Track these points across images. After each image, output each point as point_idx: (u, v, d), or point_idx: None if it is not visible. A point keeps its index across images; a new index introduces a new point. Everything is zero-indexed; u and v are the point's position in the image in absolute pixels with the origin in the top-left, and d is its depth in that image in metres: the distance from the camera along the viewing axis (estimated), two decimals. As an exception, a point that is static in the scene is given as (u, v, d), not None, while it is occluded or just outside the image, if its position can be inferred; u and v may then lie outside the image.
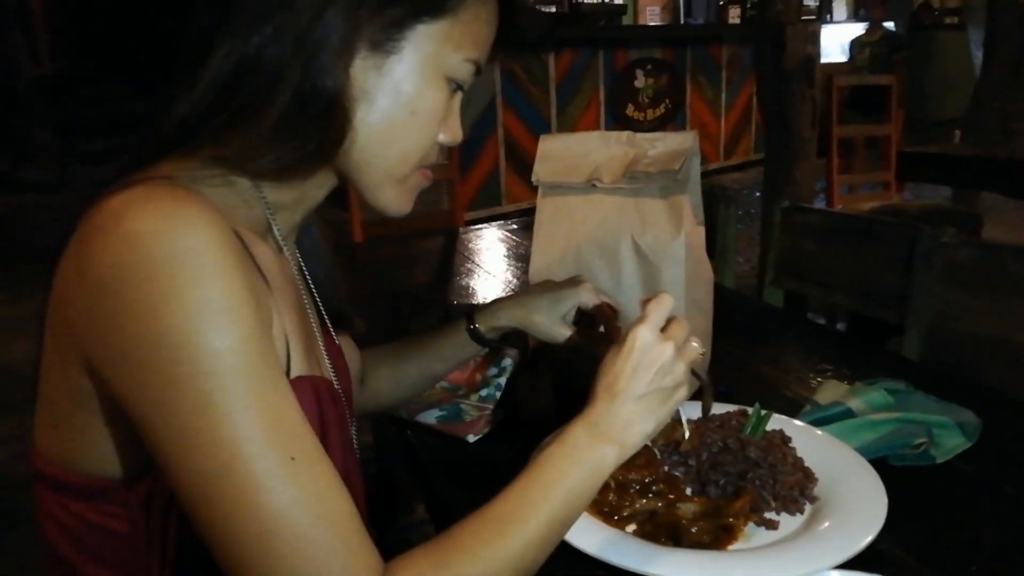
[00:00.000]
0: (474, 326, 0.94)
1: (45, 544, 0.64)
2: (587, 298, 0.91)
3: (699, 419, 0.85)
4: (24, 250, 5.42)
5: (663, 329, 0.65)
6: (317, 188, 0.70)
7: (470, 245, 2.09)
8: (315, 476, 0.53)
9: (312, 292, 0.78)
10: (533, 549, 0.59)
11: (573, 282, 0.93)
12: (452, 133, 0.70)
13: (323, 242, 0.82)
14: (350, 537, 0.54)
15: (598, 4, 8.70)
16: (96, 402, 0.56)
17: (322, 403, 0.67)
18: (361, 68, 0.62)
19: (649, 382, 0.63)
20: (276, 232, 0.68)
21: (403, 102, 0.64)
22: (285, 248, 0.70)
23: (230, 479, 0.50)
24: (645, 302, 0.66)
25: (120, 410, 0.53)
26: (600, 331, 0.91)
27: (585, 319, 0.94)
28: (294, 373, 0.63)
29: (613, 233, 1.05)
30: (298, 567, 0.51)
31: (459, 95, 0.70)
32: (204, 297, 0.50)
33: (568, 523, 0.62)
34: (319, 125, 0.61)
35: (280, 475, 0.51)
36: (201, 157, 0.61)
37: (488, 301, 1.04)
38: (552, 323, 0.91)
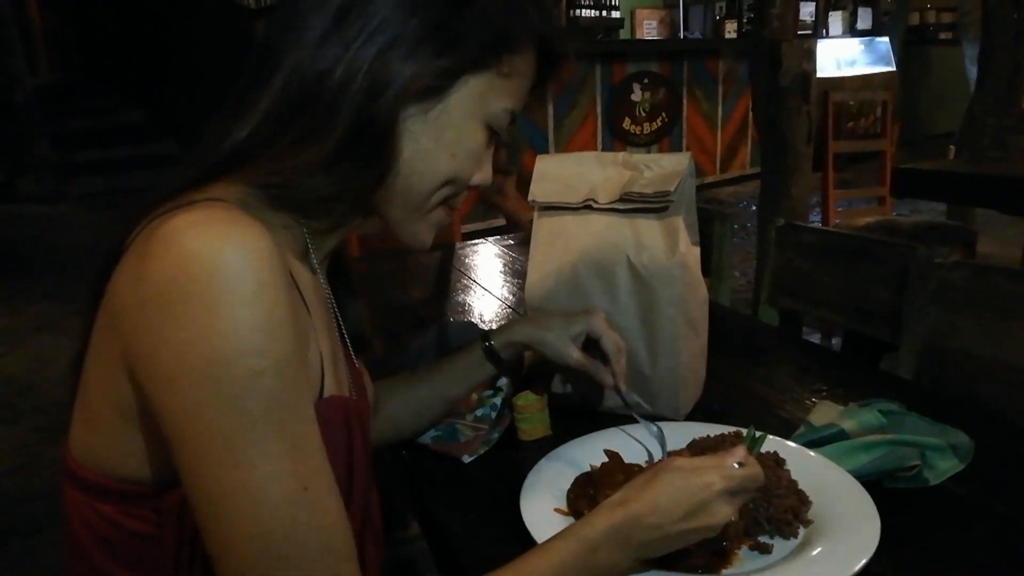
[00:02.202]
0: (489, 343, 0.97)
1: (71, 546, 0.65)
2: (598, 326, 0.95)
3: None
4: (20, 261, 5.41)
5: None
6: (353, 216, 0.73)
7: (467, 260, 2.09)
8: (324, 509, 0.55)
9: (337, 315, 0.80)
10: None
11: (586, 311, 0.97)
12: (484, 176, 0.75)
13: (349, 267, 0.85)
14: (348, 570, 0.55)
15: (595, 18, 8.75)
16: (134, 411, 0.58)
17: (350, 423, 0.69)
18: (412, 110, 0.67)
19: (693, 530, 0.65)
20: (313, 256, 0.72)
21: (445, 145, 0.69)
22: (320, 272, 0.74)
23: (242, 499, 0.52)
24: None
25: (154, 420, 0.56)
26: (604, 364, 0.95)
27: (592, 348, 0.96)
28: (327, 392, 0.66)
29: (609, 253, 1.06)
30: None
31: (494, 143, 0.75)
32: (248, 319, 0.52)
33: None
34: (368, 160, 0.65)
35: (291, 503, 0.53)
36: (249, 182, 0.64)
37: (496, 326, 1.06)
38: (563, 343, 0.94)
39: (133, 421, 0.59)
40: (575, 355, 0.94)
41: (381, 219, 0.73)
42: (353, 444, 0.70)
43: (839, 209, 3.62)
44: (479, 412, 1.05)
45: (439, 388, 0.98)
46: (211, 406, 0.52)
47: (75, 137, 7.74)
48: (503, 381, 1.09)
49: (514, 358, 0.99)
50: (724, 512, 0.65)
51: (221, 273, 0.52)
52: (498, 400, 1.06)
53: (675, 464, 0.67)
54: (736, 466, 0.67)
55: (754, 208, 5.22)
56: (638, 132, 6.55)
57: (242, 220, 0.55)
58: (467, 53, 0.67)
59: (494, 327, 1.30)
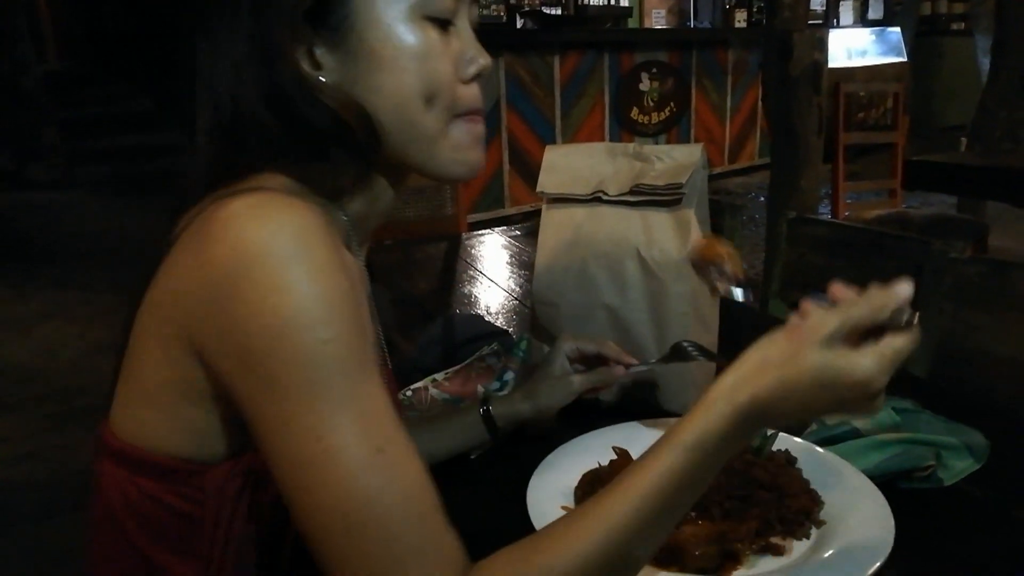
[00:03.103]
0: (487, 408, 0.93)
1: (104, 523, 0.65)
2: (568, 346, 0.95)
3: None
4: (29, 248, 5.42)
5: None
6: (384, 190, 0.71)
7: (473, 251, 2.08)
8: (402, 469, 0.55)
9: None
10: (643, 516, 0.55)
11: (555, 345, 0.97)
12: (475, 63, 0.67)
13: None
14: (434, 531, 0.54)
15: (604, 7, 8.67)
16: (199, 390, 0.59)
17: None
18: (333, 63, 0.63)
19: (833, 403, 0.57)
20: (354, 243, 0.71)
21: (387, 68, 0.63)
22: (360, 260, 0.73)
23: (322, 466, 0.53)
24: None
25: (224, 398, 0.58)
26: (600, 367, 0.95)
27: (585, 361, 0.97)
28: None
29: (619, 246, 1.04)
30: (381, 556, 0.52)
31: (460, 23, 0.67)
32: (313, 293, 0.54)
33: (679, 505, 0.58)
34: (341, 131, 0.63)
35: (368, 466, 0.53)
36: (283, 172, 0.64)
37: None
38: (562, 395, 0.94)
39: (195, 399, 0.60)
40: (577, 386, 0.94)
41: (412, 169, 0.69)
42: None
43: (849, 201, 3.58)
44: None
45: (424, 446, 0.92)
46: (283, 378, 0.53)
47: (84, 125, 7.75)
48: (509, 374, 1.09)
49: (509, 428, 0.95)
50: (876, 405, 0.57)
51: (281, 252, 0.54)
52: (505, 393, 1.05)
53: (820, 340, 0.56)
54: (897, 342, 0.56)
55: (763, 199, 5.19)
56: (646, 122, 6.50)
57: (294, 203, 0.57)
58: None
59: (500, 320, 1.27)
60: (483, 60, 0.68)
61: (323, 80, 0.63)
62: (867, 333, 0.57)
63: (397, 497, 0.53)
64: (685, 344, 0.93)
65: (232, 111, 0.63)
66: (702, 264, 0.97)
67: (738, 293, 0.92)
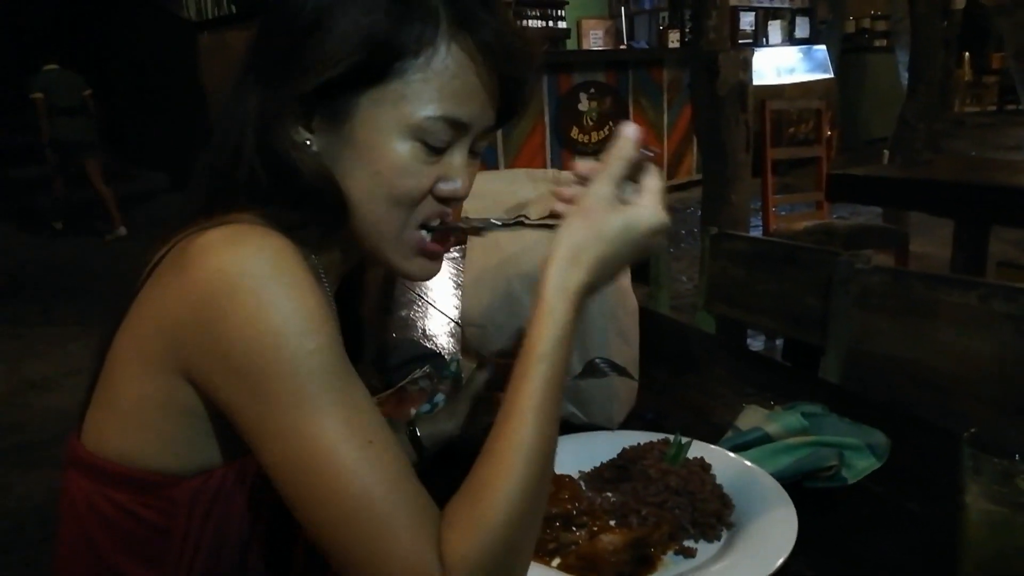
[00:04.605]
0: (414, 428, 0.96)
1: (74, 540, 0.68)
2: (490, 367, 0.99)
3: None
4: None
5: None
6: (353, 247, 0.74)
7: (412, 274, 2.10)
8: (389, 461, 0.59)
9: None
10: (541, 428, 0.61)
11: (477, 366, 1.01)
12: (450, 189, 0.71)
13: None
14: (423, 515, 0.58)
15: (542, 28, 8.83)
16: (180, 407, 0.64)
17: None
18: (323, 137, 0.68)
19: (639, 251, 0.67)
20: (324, 281, 0.73)
21: (365, 165, 0.68)
22: (330, 297, 0.75)
23: (319, 467, 0.57)
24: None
25: (209, 413, 0.63)
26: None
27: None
28: None
29: (540, 267, 1.08)
30: (378, 542, 0.56)
31: (456, 152, 0.71)
32: (294, 308, 0.58)
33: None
34: (315, 197, 0.67)
35: (360, 461, 0.57)
36: (256, 213, 0.68)
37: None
38: (478, 414, 0.97)
39: (174, 415, 0.64)
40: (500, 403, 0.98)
41: (365, 250, 0.73)
42: None
43: (781, 214, 3.71)
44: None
45: None
46: (275, 389, 0.57)
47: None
48: (440, 397, 1.11)
49: (436, 448, 0.97)
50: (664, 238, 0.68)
51: (260, 273, 0.58)
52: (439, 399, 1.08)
53: (609, 200, 0.66)
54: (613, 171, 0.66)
55: (700, 213, 5.32)
56: (586, 141, 6.63)
57: (267, 231, 0.62)
58: (334, 73, 0.65)
59: (438, 342, 1.30)
60: (458, 189, 0.72)
61: (309, 144, 0.68)
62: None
63: (387, 483, 0.57)
64: (598, 361, 0.98)
65: (231, 157, 0.68)
66: None
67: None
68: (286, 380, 0.57)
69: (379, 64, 0.65)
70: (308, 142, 0.68)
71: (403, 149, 0.67)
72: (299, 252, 0.62)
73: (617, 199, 0.66)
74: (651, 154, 0.68)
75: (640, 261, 0.70)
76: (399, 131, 0.67)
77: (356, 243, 0.73)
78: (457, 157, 0.71)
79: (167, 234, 0.67)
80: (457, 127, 0.69)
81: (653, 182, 0.68)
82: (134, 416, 0.65)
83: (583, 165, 0.69)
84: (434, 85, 0.66)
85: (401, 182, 0.68)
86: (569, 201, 0.68)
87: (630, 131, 0.67)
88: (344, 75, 0.65)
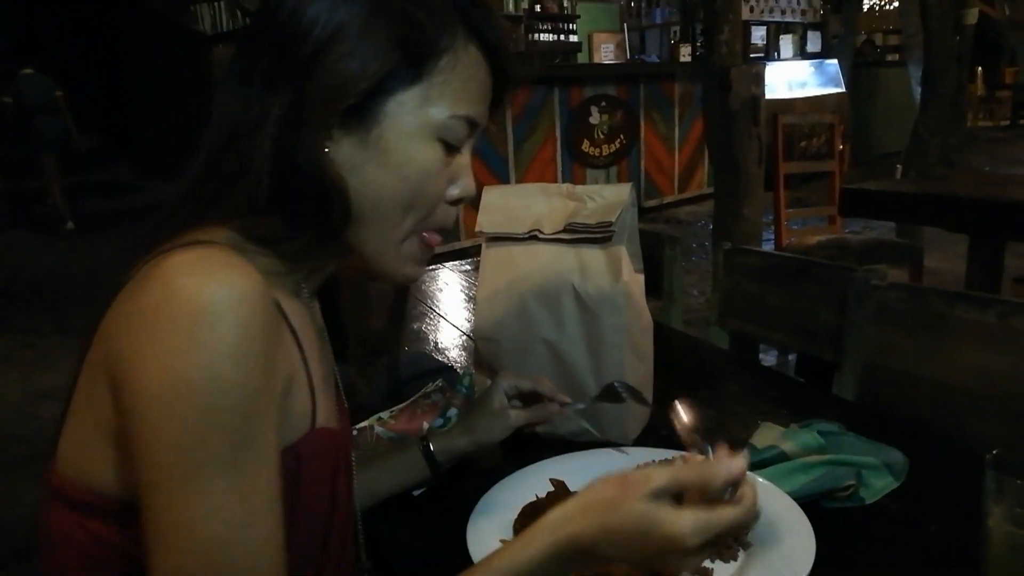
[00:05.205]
0: (427, 444, 0.95)
1: (55, 568, 0.65)
2: (507, 383, 0.98)
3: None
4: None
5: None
6: (328, 262, 0.74)
7: (424, 287, 2.10)
8: (259, 552, 0.56)
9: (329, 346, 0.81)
10: None
11: (494, 381, 1.00)
12: (463, 189, 0.72)
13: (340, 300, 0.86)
14: None
15: (553, 42, 8.88)
16: (117, 430, 0.60)
17: (339, 454, 0.71)
18: (346, 143, 0.65)
19: (649, 552, 0.62)
20: (305, 291, 0.73)
21: (392, 170, 0.66)
22: (312, 307, 0.75)
23: (183, 532, 0.53)
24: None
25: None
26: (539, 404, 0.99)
27: (523, 398, 1.00)
28: (319, 423, 0.67)
29: (555, 282, 1.08)
30: None
31: (464, 152, 0.72)
32: (219, 355, 0.54)
33: None
34: (314, 202, 0.64)
35: (226, 544, 0.54)
36: (234, 227, 0.65)
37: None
38: (500, 428, 0.97)
39: (117, 441, 0.60)
40: (515, 421, 0.97)
41: (357, 257, 0.71)
42: (337, 477, 0.70)
43: (794, 228, 3.70)
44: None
45: (367, 483, 0.93)
46: (167, 433, 0.53)
47: (23, 164, 7.61)
48: (453, 411, 1.11)
49: (450, 464, 0.97)
50: (690, 564, 0.62)
51: (205, 309, 0.54)
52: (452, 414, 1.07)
53: (647, 492, 0.61)
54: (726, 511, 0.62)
55: (712, 227, 5.31)
56: (597, 154, 6.63)
57: (233, 261, 0.58)
58: (374, 81, 0.64)
59: (450, 355, 1.30)
60: (469, 188, 0.73)
61: (327, 151, 0.65)
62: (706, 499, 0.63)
63: (251, 572, 0.55)
64: (616, 385, 0.98)
65: (237, 164, 0.64)
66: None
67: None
68: (176, 430, 0.53)
69: (412, 67, 0.66)
70: (327, 149, 0.65)
71: (429, 151, 0.68)
72: (265, 285, 0.58)
73: (665, 495, 0.62)
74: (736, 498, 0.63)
75: (651, 561, 0.64)
76: (425, 132, 0.67)
77: (343, 250, 0.71)
78: (464, 158, 0.72)
79: (147, 244, 0.64)
80: (473, 126, 0.71)
81: (723, 513, 0.62)
82: (97, 442, 0.61)
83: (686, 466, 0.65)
84: (455, 85, 0.68)
85: (423, 185, 0.68)
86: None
87: (737, 465, 0.63)
88: (383, 82, 0.64)
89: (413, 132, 0.67)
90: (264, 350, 0.56)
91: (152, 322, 0.55)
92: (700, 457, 0.68)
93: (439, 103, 0.67)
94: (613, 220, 1.04)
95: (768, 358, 3.19)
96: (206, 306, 0.54)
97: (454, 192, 0.72)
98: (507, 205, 1.15)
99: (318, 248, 0.69)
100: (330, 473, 0.69)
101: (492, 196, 1.17)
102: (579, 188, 1.12)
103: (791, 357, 3.04)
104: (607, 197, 1.09)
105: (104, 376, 0.59)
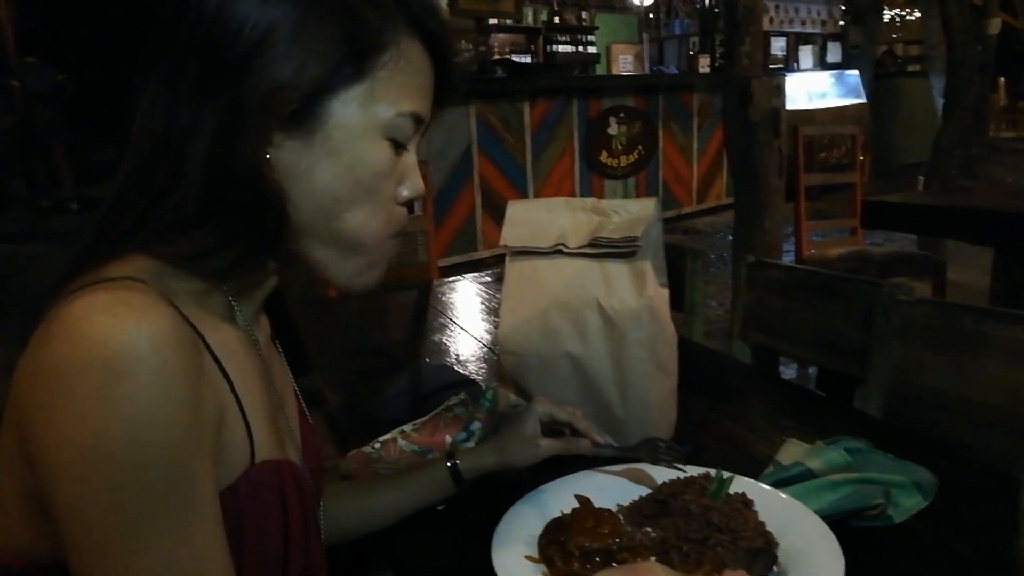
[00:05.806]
0: (454, 463, 0.94)
1: None
2: (544, 411, 0.96)
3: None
4: (-6, 301, 5.34)
5: None
6: (268, 279, 0.70)
7: (443, 299, 2.11)
8: None
9: (288, 372, 0.79)
10: None
11: (529, 404, 0.98)
12: (412, 188, 0.69)
13: (292, 317, 0.82)
14: None
15: (572, 54, 8.90)
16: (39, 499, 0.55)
17: (285, 487, 0.66)
18: (288, 148, 0.61)
19: None
20: (239, 315, 0.68)
21: (342, 172, 0.63)
22: (253, 326, 0.70)
23: None
24: None
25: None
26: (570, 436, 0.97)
27: (554, 428, 0.98)
28: (259, 457, 0.63)
29: (579, 296, 1.08)
30: None
31: (411, 149, 0.69)
32: (136, 409, 0.50)
33: None
34: (250, 211, 0.60)
35: None
36: (155, 254, 0.60)
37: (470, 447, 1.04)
38: (529, 452, 0.94)
39: (44, 506, 0.55)
40: (544, 451, 0.95)
41: (306, 266, 0.67)
42: (289, 513, 0.65)
43: (815, 240, 3.67)
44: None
45: (392, 500, 0.93)
46: (90, 499, 0.50)
47: (50, 175, 7.75)
48: (476, 425, 1.10)
49: (475, 481, 0.95)
50: None
51: (114, 361, 0.50)
52: (472, 444, 1.07)
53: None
54: None
55: (731, 238, 5.29)
56: (615, 165, 6.63)
57: (144, 302, 0.53)
58: (317, 83, 0.61)
59: (471, 367, 1.30)
60: (419, 187, 0.70)
61: (268, 158, 0.61)
62: None
63: None
64: (659, 443, 0.97)
65: (166, 178, 0.59)
66: None
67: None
68: (100, 494, 0.49)
69: (355, 64, 0.62)
70: (267, 156, 0.61)
71: (379, 150, 0.65)
72: (184, 328, 0.54)
73: None
74: None
75: None
76: (373, 131, 0.64)
77: (286, 261, 0.67)
78: (410, 157, 0.69)
79: (63, 276, 0.59)
80: (419, 123, 0.68)
81: None
82: (29, 507, 0.56)
83: None
84: (400, 81, 0.65)
85: (379, 186, 0.66)
86: None
87: None
88: (325, 81, 0.61)
89: (361, 132, 0.63)
90: (186, 393, 0.53)
91: (61, 377, 0.50)
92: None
93: (385, 100, 0.64)
94: (639, 235, 1.04)
95: (788, 371, 3.17)
96: (118, 355, 0.50)
97: (404, 192, 0.68)
98: (532, 219, 1.15)
99: (251, 260, 0.63)
100: (278, 509, 0.64)
101: (517, 210, 1.17)
102: (604, 202, 1.12)
103: (811, 371, 3.01)
104: (632, 212, 1.09)
105: (16, 439, 0.54)
